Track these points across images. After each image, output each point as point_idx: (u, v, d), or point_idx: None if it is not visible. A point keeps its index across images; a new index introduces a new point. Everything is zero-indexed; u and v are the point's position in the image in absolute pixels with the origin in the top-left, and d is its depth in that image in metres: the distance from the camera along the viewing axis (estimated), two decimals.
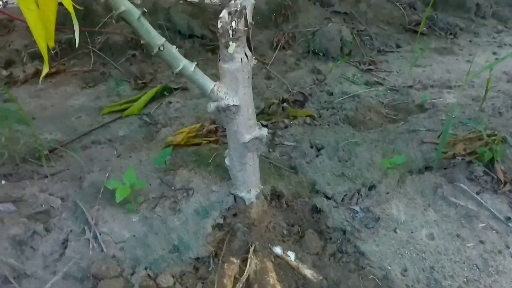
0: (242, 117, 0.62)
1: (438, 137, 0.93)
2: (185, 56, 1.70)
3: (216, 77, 1.58)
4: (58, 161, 1.03)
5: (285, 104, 1.17)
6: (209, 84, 0.58)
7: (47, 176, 0.90)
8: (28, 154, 1.03)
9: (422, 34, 1.87)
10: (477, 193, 0.81)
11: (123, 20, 0.48)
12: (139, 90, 1.53)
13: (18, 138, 1.04)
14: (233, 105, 0.59)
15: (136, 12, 0.48)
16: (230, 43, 0.55)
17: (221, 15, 0.56)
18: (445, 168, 0.86)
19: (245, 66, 0.57)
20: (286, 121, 1.13)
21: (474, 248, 0.72)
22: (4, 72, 1.74)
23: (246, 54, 0.58)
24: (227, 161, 0.71)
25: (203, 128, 1.02)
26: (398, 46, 1.81)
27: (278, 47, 1.75)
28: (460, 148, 0.86)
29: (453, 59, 1.70)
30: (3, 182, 0.87)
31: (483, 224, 0.75)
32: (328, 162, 0.89)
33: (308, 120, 1.14)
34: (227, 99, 0.59)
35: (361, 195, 0.81)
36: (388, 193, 0.81)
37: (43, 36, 0.38)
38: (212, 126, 1.04)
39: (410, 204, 0.80)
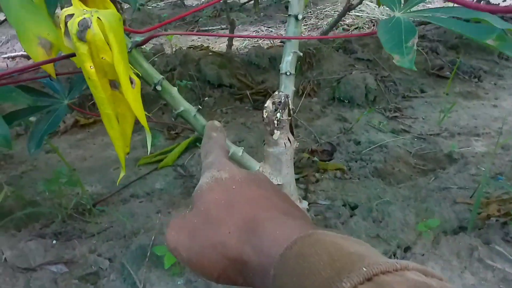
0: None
1: (471, 197, 0.94)
2: (215, 104, 1.78)
3: (244, 125, 1.63)
4: (101, 216, 1.09)
5: (315, 158, 1.20)
6: (255, 166, 0.62)
7: (94, 235, 0.96)
8: (73, 209, 1.10)
9: (446, 78, 1.90)
10: None
11: (181, 117, 0.54)
12: (172, 140, 1.61)
13: (66, 195, 1.12)
14: (277, 184, 0.63)
15: (193, 111, 0.54)
16: (275, 131, 0.60)
17: (266, 105, 0.61)
18: (479, 229, 0.87)
19: (288, 149, 0.62)
20: (316, 175, 1.17)
21: None
22: None
23: (289, 139, 0.62)
24: None
25: None
26: (422, 91, 1.84)
27: (304, 94, 1.81)
28: (493, 209, 0.87)
29: (478, 104, 1.71)
30: (54, 242, 0.93)
31: None
32: (362, 223, 0.91)
33: (338, 173, 1.18)
34: (271, 179, 0.62)
35: (397, 257, 0.83)
36: (423, 255, 0.83)
37: (123, 147, 0.44)
38: None
39: (446, 266, 0.81)
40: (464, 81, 1.91)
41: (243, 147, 0.62)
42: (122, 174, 0.45)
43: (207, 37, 3.07)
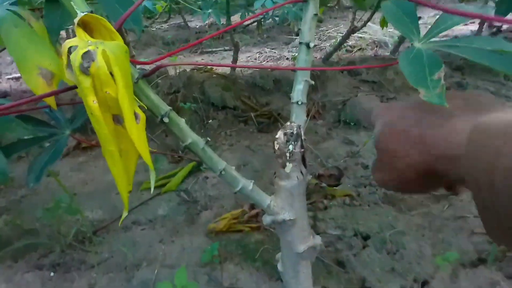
0: (297, 229, 0.62)
1: None
2: (219, 127, 1.75)
3: (248, 148, 1.59)
4: (101, 245, 1.05)
5: (323, 184, 1.17)
6: (266, 200, 0.59)
7: (93, 266, 0.92)
8: (73, 237, 1.06)
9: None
10: None
11: (189, 149, 0.51)
12: (176, 164, 1.58)
13: (66, 221, 1.08)
14: (289, 219, 0.60)
15: (201, 143, 0.51)
16: (287, 163, 0.57)
17: (277, 136, 0.58)
18: (500, 262, 0.83)
19: (300, 183, 0.59)
20: (325, 201, 1.13)
21: None
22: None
23: (301, 171, 0.59)
24: (279, 266, 0.71)
25: (244, 214, 1.03)
26: None
27: (309, 117, 1.78)
28: None
29: None
30: (52, 274, 0.89)
31: None
32: (376, 255, 0.87)
33: (347, 200, 1.14)
34: (283, 214, 0.59)
35: None
36: None
37: (125, 186, 0.41)
38: (253, 212, 1.04)
39: None
40: None
41: (253, 181, 0.59)
42: (124, 214, 0.41)
43: (210, 58, 3.09)
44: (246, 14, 2.33)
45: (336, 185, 1.30)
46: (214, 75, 1.95)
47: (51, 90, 0.47)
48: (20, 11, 0.51)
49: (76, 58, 0.34)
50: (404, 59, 0.42)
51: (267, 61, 2.82)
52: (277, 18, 2.44)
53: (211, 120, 1.81)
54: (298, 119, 0.60)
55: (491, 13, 0.49)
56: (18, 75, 2.84)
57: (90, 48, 0.34)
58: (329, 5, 3.68)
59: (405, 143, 0.36)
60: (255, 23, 3.43)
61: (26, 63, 0.46)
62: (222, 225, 0.98)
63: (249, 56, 2.94)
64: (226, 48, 3.17)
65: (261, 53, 3.00)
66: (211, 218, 1.09)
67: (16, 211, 1.23)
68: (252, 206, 1.11)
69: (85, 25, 0.37)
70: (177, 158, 1.64)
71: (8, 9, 0.50)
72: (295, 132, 0.56)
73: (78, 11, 0.38)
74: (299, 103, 0.61)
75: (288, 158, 0.56)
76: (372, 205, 1.11)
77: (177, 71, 2.33)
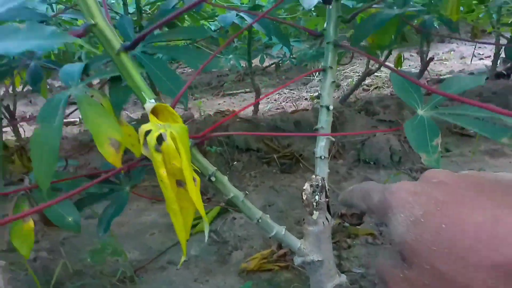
0: (324, 269, 0.69)
1: None
2: (243, 168, 1.85)
3: (273, 189, 1.67)
4: (142, 284, 1.13)
5: (346, 223, 1.23)
6: (297, 243, 0.67)
7: None
8: (114, 276, 1.15)
9: (470, 136, 1.94)
10: None
11: (231, 202, 0.60)
12: (205, 205, 1.67)
13: (108, 262, 1.17)
14: (317, 260, 0.67)
15: (241, 196, 0.60)
16: (314, 212, 0.65)
17: (304, 187, 0.66)
18: None
19: (326, 228, 0.66)
20: (348, 240, 1.19)
21: None
22: None
23: (327, 218, 0.67)
24: None
25: (273, 254, 1.11)
26: (447, 150, 1.87)
27: (329, 157, 1.86)
28: None
29: (506, 162, 1.72)
30: None
31: None
32: None
33: (369, 239, 1.20)
34: (312, 256, 0.67)
35: None
36: None
37: (184, 236, 0.50)
38: (282, 252, 1.12)
39: None
40: (489, 139, 1.93)
41: (285, 226, 0.67)
42: (183, 259, 0.50)
43: (232, 100, 3.24)
44: (265, 57, 2.47)
45: (359, 224, 1.35)
46: (238, 119, 2.08)
47: (119, 156, 0.58)
48: (91, 91, 0.63)
49: (151, 140, 0.44)
50: (408, 126, 0.51)
51: (286, 102, 2.95)
52: (294, 60, 2.58)
53: (236, 162, 1.92)
54: (322, 172, 0.69)
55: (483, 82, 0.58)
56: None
57: (161, 131, 0.45)
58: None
59: (475, 262, 0.21)
60: (274, 65, 3.60)
61: (100, 136, 0.57)
62: (253, 265, 1.05)
63: (268, 98, 3.08)
64: (247, 90, 3.33)
65: (280, 94, 3.14)
66: (242, 258, 1.17)
67: (61, 254, 1.34)
68: (280, 246, 1.18)
69: (153, 110, 0.48)
70: (205, 199, 1.74)
71: (83, 90, 0.62)
72: (320, 184, 0.65)
73: (147, 99, 0.50)
74: (322, 157, 0.70)
75: (314, 207, 0.64)
76: None
77: (202, 114, 2.48)
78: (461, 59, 3.72)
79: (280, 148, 1.94)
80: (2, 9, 0.50)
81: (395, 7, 0.89)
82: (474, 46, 3.59)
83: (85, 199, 0.63)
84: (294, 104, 2.70)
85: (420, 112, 0.53)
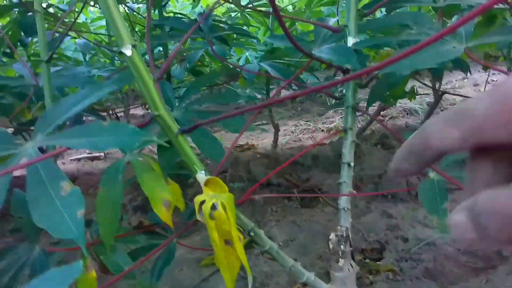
0: None
1: None
2: (264, 203, 1.93)
3: (294, 223, 1.74)
4: None
5: (367, 260, 1.29)
6: (325, 287, 0.74)
7: None
8: None
9: None
10: None
11: (268, 253, 0.69)
12: None
13: None
14: None
15: (275, 247, 0.69)
16: (340, 259, 0.73)
17: (330, 237, 0.74)
18: None
19: (351, 273, 0.74)
20: (370, 277, 1.25)
21: None
22: None
23: (351, 264, 0.75)
24: None
25: None
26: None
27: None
28: None
29: None
30: None
31: None
32: None
33: (390, 275, 1.25)
34: None
35: None
36: None
37: (232, 285, 0.58)
38: None
39: None
40: None
41: (314, 272, 0.75)
42: None
43: (251, 132, 3.35)
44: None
45: (379, 259, 1.41)
46: (258, 156, 2.18)
47: (170, 214, 0.67)
48: (144, 157, 0.73)
49: (206, 208, 0.53)
50: (421, 188, 0.59)
51: (303, 134, 3.04)
52: None
53: (257, 198, 2.00)
54: (345, 222, 0.77)
55: None
56: (80, 156, 3.17)
57: (213, 201, 0.54)
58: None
59: None
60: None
61: (155, 199, 0.66)
62: None
63: (285, 130, 3.18)
64: (264, 122, 3.44)
65: (297, 126, 3.24)
66: None
67: None
68: (305, 284, 1.24)
69: (206, 182, 0.58)
70: None
71: (138, 156, 0.72)
72: (344, 234, 0.73)
73: (198, 171, 0.59)
74: (345, 209, 0.78)
75: (340, 255, 0.72)
76: (414, 280, 1.21)
77: None
78: (475, 86, 3.78)
79: (299, 182, 2.02)
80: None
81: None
82: (487, 73, 3.65)
83: (138, 251, 0.73)
84: (313, 140, 2.78)
85: (431, 174, 0.61)
